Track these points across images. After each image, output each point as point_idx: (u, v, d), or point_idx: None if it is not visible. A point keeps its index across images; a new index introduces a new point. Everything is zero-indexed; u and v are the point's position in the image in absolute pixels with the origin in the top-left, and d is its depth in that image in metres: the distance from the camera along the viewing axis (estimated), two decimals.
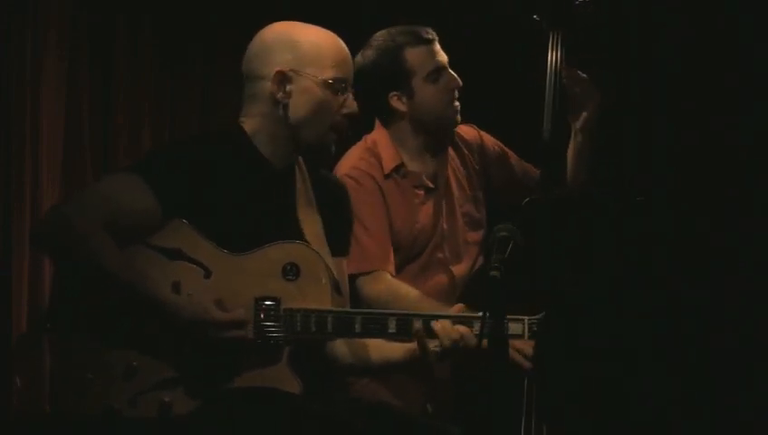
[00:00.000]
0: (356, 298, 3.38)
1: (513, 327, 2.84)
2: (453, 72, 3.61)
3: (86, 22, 4.34)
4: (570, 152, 3.66)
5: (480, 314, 2.76)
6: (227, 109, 4.62)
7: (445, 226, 3.65)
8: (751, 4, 4.30)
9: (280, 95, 2.87)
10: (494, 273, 2.58)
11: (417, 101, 3.59)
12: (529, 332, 2.87)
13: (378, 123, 3.67)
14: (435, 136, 3.66)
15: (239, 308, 2.75)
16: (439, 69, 3.59)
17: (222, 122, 3.02)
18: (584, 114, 3.63)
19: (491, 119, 4.19)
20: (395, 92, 3.60)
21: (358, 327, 2.82)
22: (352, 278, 3.44)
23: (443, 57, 3.61)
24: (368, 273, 3.48)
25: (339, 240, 3.00)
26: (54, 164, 4.21)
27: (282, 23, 2.97)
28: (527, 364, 3.29)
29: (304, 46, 2.89)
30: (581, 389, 3.32)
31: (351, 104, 2.92)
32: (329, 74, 2.88)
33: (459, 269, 3.64)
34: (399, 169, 3.62)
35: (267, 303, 2.79)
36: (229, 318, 2.72)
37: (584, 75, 3.60)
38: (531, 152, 3.79)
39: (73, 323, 2.74)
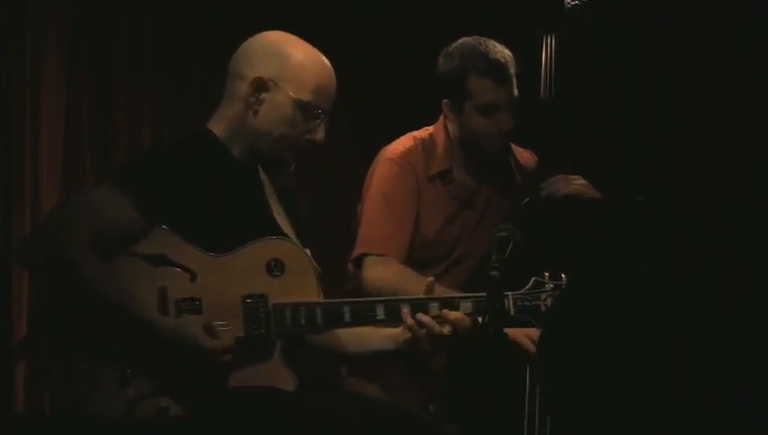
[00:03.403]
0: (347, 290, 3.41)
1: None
2: (508, 114, 3.53)
3: (86, 22, 4.34)
4: None
5: (466, 294, 2.86)
6: None
7: (469, 244, 3.62)
8: (751, 4, 4.30)
9: (252, 100, 2.89)
10: (494, 273, 2.59)
11: (462, 121, 3.56)
12: (514, 307, 2.88)
13: (442, 118, 3.64)
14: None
15: (227, 335, 2.76)
16: (493, 106, 3.51)
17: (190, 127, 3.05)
18: None
19: None
20: (447, 102, 3.58)
21: (347, 317, 2.85)
22: (358, 258, 3.46)
23: (504, 96, 3.52)
24: (379, 255, 3.48)
25: (302, 233, 3.03)
26: (54, 164, 4.21)
27: (279, 33, 2.98)
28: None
29: (291, 62, 2.90)
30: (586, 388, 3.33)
31: (319, 133, 2.93)
32: (305, 97, 2.89)
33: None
34: (445, 175, 3.60)
35: (255, 300, 2.81)
36: (218, 347, 2.74)
37: None
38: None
39: (64, 337, 2.74)
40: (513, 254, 2.68)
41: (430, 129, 3.65)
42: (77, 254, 2.69)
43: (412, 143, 3.61)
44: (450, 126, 3.61)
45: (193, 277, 2.79)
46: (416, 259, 3.56)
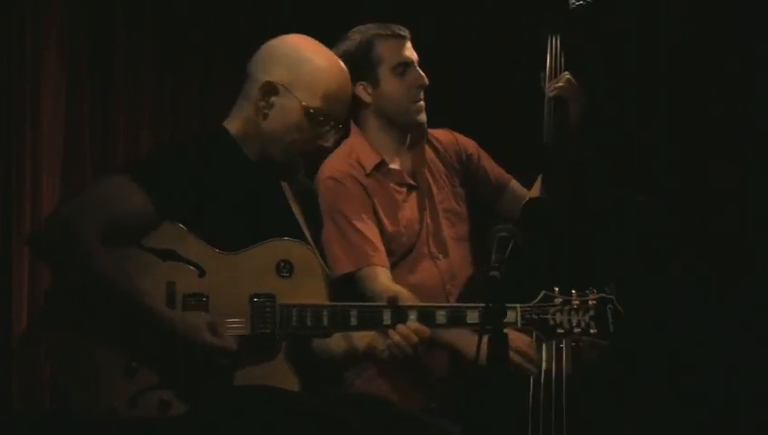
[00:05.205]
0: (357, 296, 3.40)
1: (507, 315, 2.84)
2: (420, 71, 3.63)
3: (86, 22, 4.34)
4: None
5: (472, 304, 2.84)
6: (227, 109, 4.62)
7: (429, 221, 3.66)
8: (751, 4, 4.31)
9: (262, 104, 2.91)
10: (494, 273, 2.59)
11: (381, 91, 3.61)
12: (522, 320, 2.88)
13: (353, 127, 3.68)
14: (400, 131, 3.66)
15: (229, 335, 2.78)
16: (406, 63, 3.61)
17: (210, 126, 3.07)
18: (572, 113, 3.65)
19: (489, 124, 4.20)
20: (361, 82, 3.60)
21: (354, 320, 2.86)
22: (351, 277, 3.45)
23: (412, 54, 3.63)
24: (365, 268, 3.48)
25: (319, 235, 3.05)
26: (54, 164, 4.21)
27: (299, 37, 3.00)
28: (532, 368, 3.30)
29: (304, 68, 2.91)
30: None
31: (329, 140, 2.95)
32: (315, 103, 2.90)
33: (444, 265, 3.64)
34: (380, 166, 3.63)
35: (263, 299, 2.82)
36: (218, 345, 2.76)
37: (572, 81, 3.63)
38: (530, 159, 3.79)
39: (73, 321, 2.76)
40: (513, 254, 2.68)
41: (349, 140, 3.66)
42: (87, 244, 2.71)
43: (339, 155, 3.62)
44: (370, 117, 3.64)
45: (202, 274, 2.82)
46: (392, 252, 3.57)
